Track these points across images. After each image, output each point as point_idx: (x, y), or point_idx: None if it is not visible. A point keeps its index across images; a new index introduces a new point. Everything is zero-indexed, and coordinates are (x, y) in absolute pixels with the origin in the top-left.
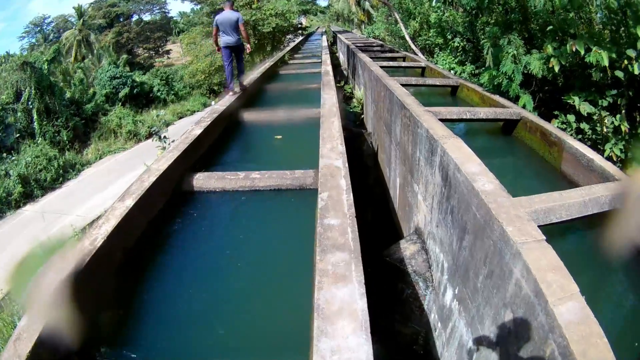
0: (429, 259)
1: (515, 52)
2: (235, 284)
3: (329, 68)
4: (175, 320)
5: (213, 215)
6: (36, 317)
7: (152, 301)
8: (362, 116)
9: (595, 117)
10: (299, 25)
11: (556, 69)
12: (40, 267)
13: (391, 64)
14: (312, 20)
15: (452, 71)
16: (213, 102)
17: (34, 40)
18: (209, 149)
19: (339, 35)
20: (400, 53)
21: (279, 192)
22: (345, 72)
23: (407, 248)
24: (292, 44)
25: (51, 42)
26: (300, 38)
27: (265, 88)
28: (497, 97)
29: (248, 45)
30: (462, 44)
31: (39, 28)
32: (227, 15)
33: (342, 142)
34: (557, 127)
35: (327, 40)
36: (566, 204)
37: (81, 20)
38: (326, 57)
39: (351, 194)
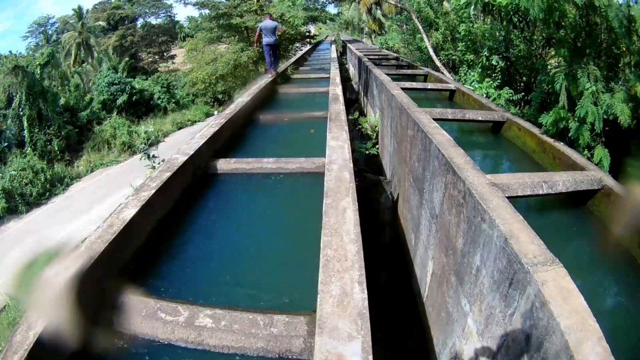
0: None
1: (594, 88)
2: None
3: (339, 90)
4: None
5: None
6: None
7: None
8: (378, 147)
9: None
10: (307, 34)
11: None
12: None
13: (414, 85)
14: (320, 29)
15: (485, 96)
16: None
17: (37, 41)
18: (147, 244)
19: (349, 45)
20: (422, 70)
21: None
22: (355, 87)
23: None
24: (299, 53)
25: (54, 43)
26: (308, 47)
27: (255, 118)
28: (562, 147)
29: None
30: (501, 63)
31: (42, 28)
32: (268, 23)
33: (362, 288)
34: None
35: (337, 51)
36: None
37: (80, 22)
38: (335, 73)
39: None
